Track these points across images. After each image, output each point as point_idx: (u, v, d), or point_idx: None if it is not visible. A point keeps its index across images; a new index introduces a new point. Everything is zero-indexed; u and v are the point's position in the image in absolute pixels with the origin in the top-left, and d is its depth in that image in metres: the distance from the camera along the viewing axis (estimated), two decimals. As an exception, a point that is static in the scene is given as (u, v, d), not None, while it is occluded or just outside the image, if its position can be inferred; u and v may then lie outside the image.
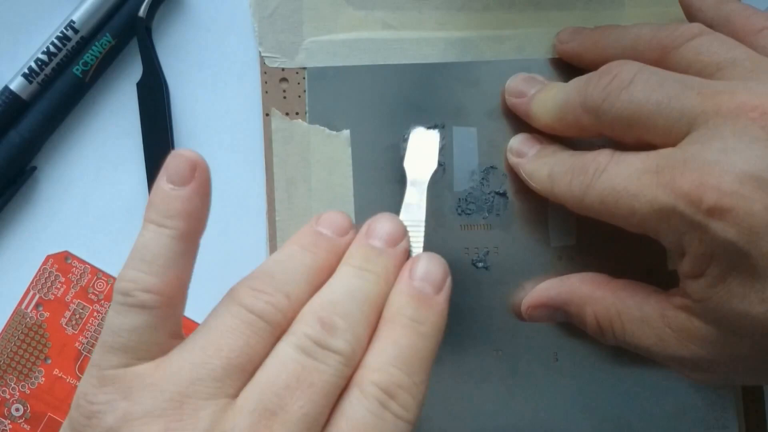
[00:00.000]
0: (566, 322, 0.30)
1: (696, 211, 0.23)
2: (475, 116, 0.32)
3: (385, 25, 0.33)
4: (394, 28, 0.33)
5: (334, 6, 0.33)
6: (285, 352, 0.22)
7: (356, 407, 0.21)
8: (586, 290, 0.29)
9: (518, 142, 0.31)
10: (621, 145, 0.27)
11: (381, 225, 0.25)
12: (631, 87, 0.26)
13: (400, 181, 0.32)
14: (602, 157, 0.27)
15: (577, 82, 0.28)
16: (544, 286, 0.31)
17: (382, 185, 0.32)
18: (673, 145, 0.25)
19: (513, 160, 0.31)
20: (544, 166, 0.29)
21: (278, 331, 0.22)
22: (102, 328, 0.22)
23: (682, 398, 0.32)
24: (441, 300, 0.24)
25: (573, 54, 0.32)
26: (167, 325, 0.22)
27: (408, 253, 0.25)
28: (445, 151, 0.32)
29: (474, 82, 0.32)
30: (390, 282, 0.24)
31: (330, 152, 0.32)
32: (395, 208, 0.32)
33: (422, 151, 0.30)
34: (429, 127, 0.31)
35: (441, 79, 0.32)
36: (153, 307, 0.22)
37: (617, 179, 0.26)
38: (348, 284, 0.23)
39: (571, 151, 0.29)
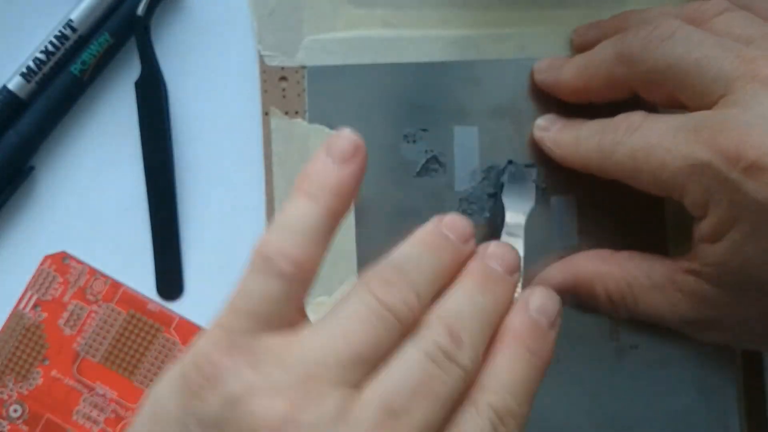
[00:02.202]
0: (575, 304, 0.30)
1: (732, 168, 0.24)
2: (476, 115, 0.32)
3: (386, 24, 0.33)
4: (395, 26, 0.33)
5: (334, 4, 0.32)
6: (413, 355, 0.21)
7: (470, 425, 0.21)
8: (592, 268, 0.29)
9: (545, 118, 0.31)
10: (651, 107, 0.27)
11: (501, 251, 0.25)
12: (671, 40, 0.26)
13: (399, 181, 0.32)
14: (636, 116, 0.27)
15: (609, 39, 0.29)
16: (549, 273, 0.31)
17: (382, 185, 0.32)
18: (706, 106, 0.25)
19: (538, 134, 0.31)
20: (571, 131, 0.30)
21: (405, 329, 0.22)
22: (234, 291, 0.22)
23: (684, 399, 0.32)
24: (553, 335, 0.24)
25: (593, 43, 0.31)
26: (298, 299, 0.22)
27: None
28: (447, 153, 0.32)
29: (475, 80, 0.32)
30: (505, 307, 0.24)
31: (330, 152, 0.32)
32: (395, 207, 0.32)
33: (520, 189, 0.31)
34: (526, 165, 0.32)
35: (442, 78, 0.32)
36: (292, 279, 0.21)
37: (651, 134, 0.26)
38: (471, 299, 0.23)
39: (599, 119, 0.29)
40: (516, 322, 0.24)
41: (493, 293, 0.24)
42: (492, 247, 0.25)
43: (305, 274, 0.22)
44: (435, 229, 0.24)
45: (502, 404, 0.22)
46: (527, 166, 0.32)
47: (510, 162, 0.32)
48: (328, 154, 0.23)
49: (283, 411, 0.20)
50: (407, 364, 0.21)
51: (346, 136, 0.24)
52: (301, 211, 0.22)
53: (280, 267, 0.21)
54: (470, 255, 0.25)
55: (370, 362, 0.21)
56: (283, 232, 0.22)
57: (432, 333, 0.22)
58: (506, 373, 0.23)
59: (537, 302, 0.24)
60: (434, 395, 0.21)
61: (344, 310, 0.22)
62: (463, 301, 0.23)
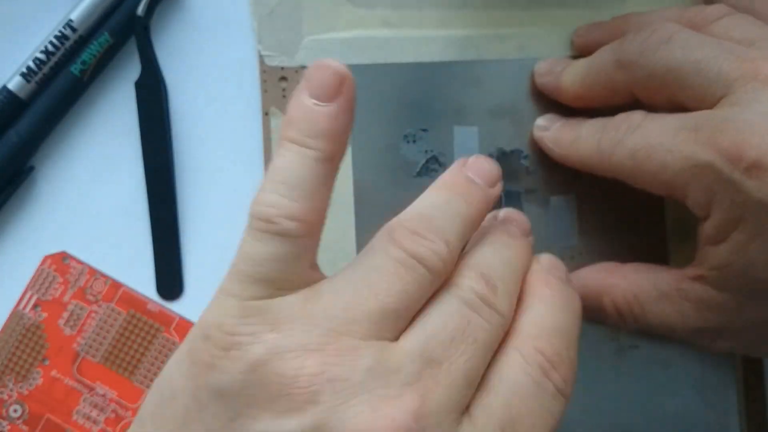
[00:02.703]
0: (583, 317, 0.30)
1: (734, 168, 0.24)
2: (476, 115, 0.32)
3: (386, 24, 0.33)
4: (395, 26, 0.33)
5: (334, 4, 0.32)
6: (450, 303, 0.21)
7: (516, 370, 0.21)
8: (598, 281, 0.29)
9: (544, 118, 0.31)
10: (651, 109, 0.27)
11: (516, 216, 0.25)
12: (670, 44, 0.26)
13: (400, 181, 0.32)
14: (636, 115, 0.27)
15: (609, 45, 0.29)
16: None
17: (382, 185, 0.32)
18: (708, 107, 0.25)
19: (538, 133, 0.31)
20: (571, 131, 0.30)
21: (437, 279, 0.21)
22: (237, 257, 0.21)
23: (684, 399, 0.32)
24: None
25: (594, 44, 0.31)
26: (308, 255, 0.21)
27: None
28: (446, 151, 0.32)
29: (475, 81, 0.32)
30: (527, 266, 0.24)
31: (330, 152, 0.32)
32: (395, 208, 0.32)
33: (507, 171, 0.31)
34: (511, 151, 0.32)
35: (442, 78, 0.32)
36: (297, 236, 0.20)
37: (652, 134, 0.26)
38: (499, 252, 0.23)
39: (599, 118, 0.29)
40: (542, 275, 0.24)
41: (516, 250, 0.24)
42: (505, 212, 0.25)
43: (311, 227, 0.20)
44: (460, 173, 0.23)
45: (551, 349, 0.21)
46: (512, 151, 0.32)
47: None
48: (311, 93, 0.21)
49: (315, 368, 0.19)
50: (445, 312, 0.20)
51: (326, 68, 0.21)
52: (295, 162, 0.20)
53: (282, 227, 0.20)
54: (497, 198, 0.24)
55: (403, 315, 0.20)
56: (278, 187, 0.20)
57: (467, 280, 0.21)
58: (548, 318, 0.22)
59: (548, 261, 0.25)
60: (474, 341, 0.20)
61: (368, 262, 0.21)
62: (491, 254, 0.23)
